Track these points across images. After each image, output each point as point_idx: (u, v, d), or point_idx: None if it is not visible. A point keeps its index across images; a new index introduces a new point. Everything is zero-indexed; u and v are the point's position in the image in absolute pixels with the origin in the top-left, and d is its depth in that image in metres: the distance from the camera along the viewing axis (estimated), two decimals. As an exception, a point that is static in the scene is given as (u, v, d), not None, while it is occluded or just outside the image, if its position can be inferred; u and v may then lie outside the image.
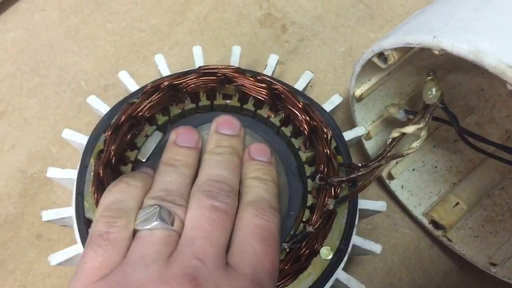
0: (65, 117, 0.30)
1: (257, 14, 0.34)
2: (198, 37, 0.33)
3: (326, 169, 0.22)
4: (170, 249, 0.17)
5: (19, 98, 0.30)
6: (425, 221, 0.28)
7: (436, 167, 0.29)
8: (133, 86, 0.25)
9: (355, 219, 0.22)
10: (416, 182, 0.28)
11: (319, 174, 0.22)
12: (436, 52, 0.17)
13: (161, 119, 0.23)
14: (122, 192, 0.18)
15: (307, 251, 0.21)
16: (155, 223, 0.17)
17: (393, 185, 0.28)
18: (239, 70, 0.24)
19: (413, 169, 0.28)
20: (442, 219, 0.27)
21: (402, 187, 0.28)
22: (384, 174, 0.28)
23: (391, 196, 0.29)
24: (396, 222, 0.30)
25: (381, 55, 0.21)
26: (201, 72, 0.23)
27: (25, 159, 0.29)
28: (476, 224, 0.27)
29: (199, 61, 0.26)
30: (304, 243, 0.21)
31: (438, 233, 0.28)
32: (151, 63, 0.27)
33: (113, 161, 0.21)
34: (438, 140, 0.29)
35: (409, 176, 0.28)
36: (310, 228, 0.21)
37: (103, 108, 0.24)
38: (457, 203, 0.27)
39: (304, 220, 0.22)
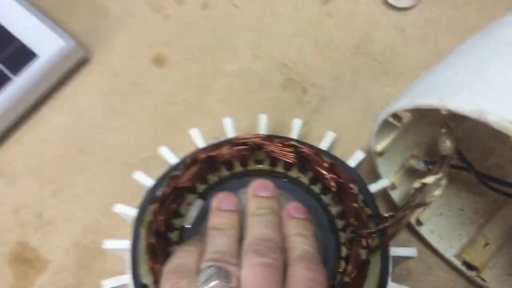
0: (111, 190, 0.33)
1: (279, 80, 0.36)
2: (226, 106, 0.36)
3: (355, 222, 0.24)
4: None
5: (69, 176, 0.33)
6: (458, 263, 0.29)
7: (462, 209, 0.30)
8: (172, 159, 0.27)
9: (388, 267, 0.24)
10: (444, 225, 0.30)
11: (349, 227, 0.24)
12: (445, 113, 0.19)
13: (201, 187, 0.26)
14: (181, 258, 0.20)
15: (346, 301, 0.22)
16: (215, 281, 0.19)
17: (423, 230, 0.30)
18: (268, 138, 0.26)
19: (440, 214, 0.30)
20: (474, 260, 0.28)
21: (432, 232, 0.30)
22: (412, 220, 0.30)
23: (422, 240, 0.30)
24: (430, 266, 0.31)
25: (395, 116, 0.23)
26: (233, 142, 0.26)
27: (78, 231, 0.31)
28: (507, 263, 0.28)
29: (230, 132, 0.28)
30: (342, 293, 0.22)
31: (472, 274, 0.29)
32: (186, 134, 0.30)
33: (162, 229, 0.24)
34: (462, 184, 0.30)
35: (437, 221, 0.30)
36: (346, 278, 0.22)
37: (148, 181, 0.26)
38: (486, 244, 0.28)
39: (340, 270, 0.24)
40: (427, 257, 0.31)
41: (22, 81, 0.34)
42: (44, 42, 0.35)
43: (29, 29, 0.35)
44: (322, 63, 0.37)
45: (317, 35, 0.38)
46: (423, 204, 0.24)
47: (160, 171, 0.26)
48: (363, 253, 0.23)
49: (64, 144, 0.35)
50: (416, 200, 0.24)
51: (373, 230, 0.23)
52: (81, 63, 0.37)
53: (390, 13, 0.38)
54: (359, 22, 0.38)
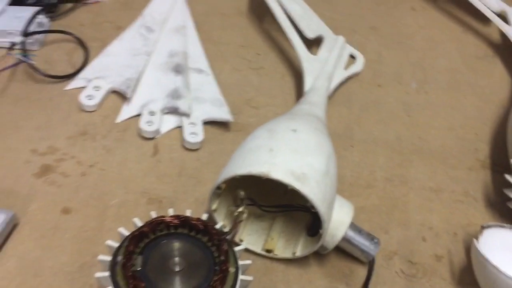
0: None
1: (145, 199, 0.65)
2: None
3: (216, 237, 0.53)
4: None
5: None
6: (264, 252, 0.60)
7: (257, 230, 0.62)
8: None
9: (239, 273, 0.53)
10: (252, 239, 0.61)
11: (214, 242, 0.53)
12: (238, 177, 0.52)
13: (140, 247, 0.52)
14: None
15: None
16: None
17: (244, 244, 0.60)
18: (166, 216, 0.54)
19: (249, 234, 0.61)
20: (268, 247, 0.60)
21: (248, 243, 0.61)
22: (238, 240, 0.60)
23: (248, 251, 0.61)
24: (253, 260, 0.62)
25: (218, 188, 0.55)
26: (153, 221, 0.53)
27: None
28: (284, 240, 0.61)
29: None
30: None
31: (270, 254, 0.60)
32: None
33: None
34: (254, 215, 0.63)
35: (249, 238, 0.61)
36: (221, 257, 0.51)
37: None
38: (272, 238, 0.61)
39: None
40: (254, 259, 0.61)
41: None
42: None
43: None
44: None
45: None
46: (240, 221, 0.55)
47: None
48: (225, 245, 0.52)
49: None
50: (237, 220, 0.55)
51: (224, 235, 0.53)
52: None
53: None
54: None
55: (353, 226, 0.59)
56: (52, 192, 0.63)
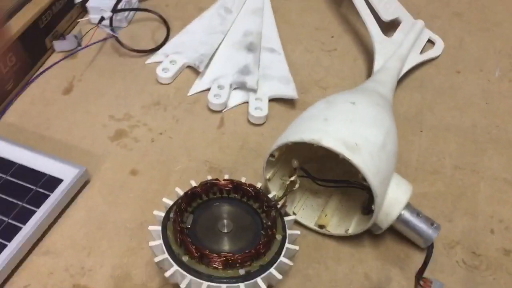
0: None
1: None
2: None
3: (266, 203, 0.54)
4: None
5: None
6: (316, 228, 0.60)
7: (312, 205, 0.62)
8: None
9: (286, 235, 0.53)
10: (305, 213, 0.61)
11: (264, 207, 0.54)
12: (289, 144, 0.52)
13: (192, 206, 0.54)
14: None
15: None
16: None
17: (297, 217, 0.60)
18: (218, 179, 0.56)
19: (302, 208, 0.61)
20: (322, 223, 0.59)
21: (301, 218, 0.60)
22: (291, 212, 0.60)
23: (299, 224, 0.61)
24: (305, 235, 0.61)
25: (272, 155, 0.55)
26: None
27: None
28: (338, 218, 0.60)
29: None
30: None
31: (323, 230, 0.60)
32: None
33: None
34: (305, 189, 0.63)
35: (301, 212, 0.61)
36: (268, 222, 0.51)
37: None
38: (326, 215, 0.60)
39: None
40: (307, 234, 0.61)
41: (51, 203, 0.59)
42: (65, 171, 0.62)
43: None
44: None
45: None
46: (292, 190, 0.55)
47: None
48: (273, 211, 0.53)
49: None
50: (288, 189, 0.55)
51: (274, 202, 0.54)
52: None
53: (254, 127, 0.73)
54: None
55: (410, 207, 0.56)
56: (123, 155, 0.68)
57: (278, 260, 0.50)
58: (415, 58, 0.78)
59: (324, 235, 0.60)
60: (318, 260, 0.58)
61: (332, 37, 0.87)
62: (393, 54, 0.74)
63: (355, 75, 0.80)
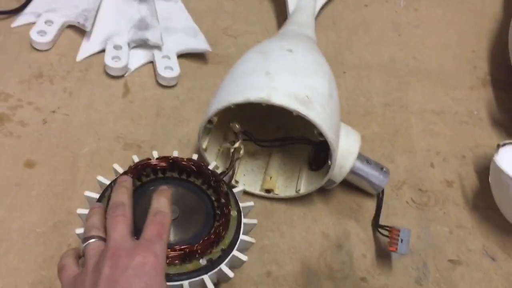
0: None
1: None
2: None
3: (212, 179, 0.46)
4: None
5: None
6: (263, 193, 0.54)
7: (252, 169, 0.55)
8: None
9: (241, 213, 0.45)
10: (248, 179, 0.54)
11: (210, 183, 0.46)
12: (232, 106, 0.44)
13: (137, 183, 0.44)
14: None
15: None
16: None
17: (240, 186, 0.54)
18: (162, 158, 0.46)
19: (243, 174, 0.54)
20: (268, 187, 0.53)
21: (244, 185, 0.54)
22: (234, 183, 0.53)
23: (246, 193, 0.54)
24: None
25: (209, 121, 0.47)
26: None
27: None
28: (283, 178, 0.55)
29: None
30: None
31: (270, 194, 0.53)
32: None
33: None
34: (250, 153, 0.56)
35: (244, 178, 0.54)
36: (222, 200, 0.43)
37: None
38: (270, 177, 0.54)
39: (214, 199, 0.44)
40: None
41: None
42: None
43: None
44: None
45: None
46: (238, 158, 0.48)
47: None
48: (223, 186, 0.45)
49: None
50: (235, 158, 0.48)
51: (221, 175, 0.46)
52: None
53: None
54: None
55: (360, 156, 0.53)
56: (11, 144, 0.54)
57: (239, 240, 0.43)
58: (325, -7, 0.72)
59: (272, 199, 0.54)
60: (271, 227, 0.52)
61: (230, -23, 0.78)
62: (305, -9, 0.68)
63: (264, 18, 0.73)
